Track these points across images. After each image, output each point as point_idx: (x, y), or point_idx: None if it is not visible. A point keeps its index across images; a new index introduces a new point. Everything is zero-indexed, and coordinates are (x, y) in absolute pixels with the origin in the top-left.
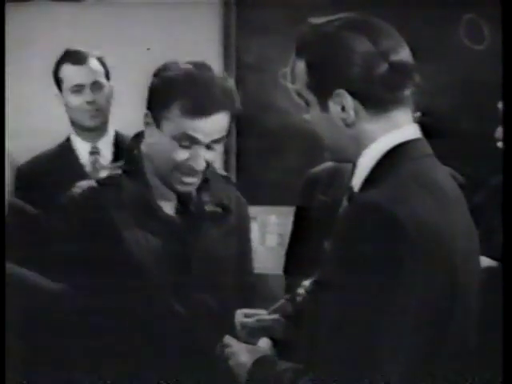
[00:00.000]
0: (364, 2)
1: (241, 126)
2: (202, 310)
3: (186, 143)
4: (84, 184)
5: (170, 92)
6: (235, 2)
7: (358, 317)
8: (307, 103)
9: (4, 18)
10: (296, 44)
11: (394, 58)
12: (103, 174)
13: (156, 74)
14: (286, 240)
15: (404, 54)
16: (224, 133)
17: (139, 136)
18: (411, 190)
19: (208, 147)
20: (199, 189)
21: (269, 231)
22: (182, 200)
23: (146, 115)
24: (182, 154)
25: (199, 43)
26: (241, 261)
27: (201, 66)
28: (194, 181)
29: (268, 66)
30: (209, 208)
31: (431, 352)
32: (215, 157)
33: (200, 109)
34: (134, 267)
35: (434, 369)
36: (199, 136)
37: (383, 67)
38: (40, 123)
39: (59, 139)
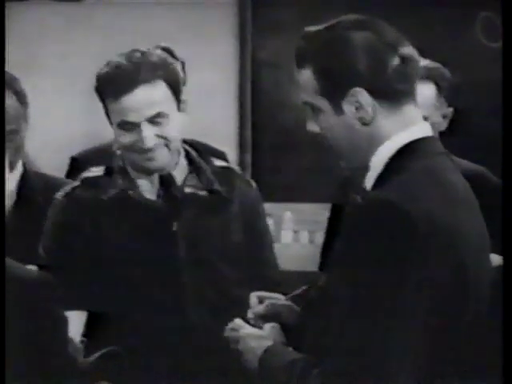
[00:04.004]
0: (378, 1)
1: (256, 122)
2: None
3: (127, 127)
4: (67, 188)
5: (98, 90)
6: (251, 0)
7: (369, 314)
8: (318, 110)
9: (4, 17)
10: (297, 55)
11: (402, 50)
12: (85, 174)
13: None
14: (301, 237)
15: (410, 47)
16: (162, 105)
17: None
18: (423, 187)
19: (153, 123)
20: (190, 171)
21: (284, 228)
22: (164, 184)
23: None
24: (127, 138)
25: (215, 42)
26: (257, 253)
27: (132, 55)
28: (155, 156)
29: (283, 64)
30: (189, 190)
31: (441, 350)
32: (169, 130)
33: (115, 89)
34: (119, 259)
35: (445, 367)
36: (130, 116)
37: (395, 60)
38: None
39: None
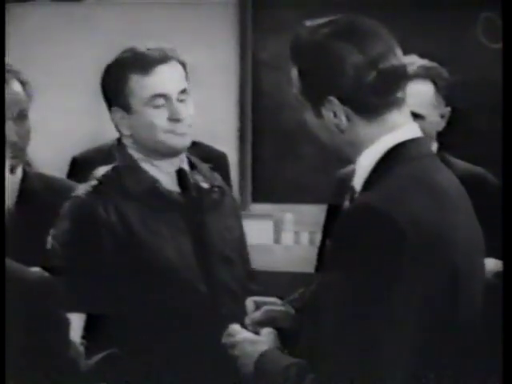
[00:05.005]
0: (378, 2)
1: (256, 123)
2: (224, 289)
3: (158, 102)
4: (85, 186)
5: (119, 69)
6: (251, 1)
7: (357, 318)
8: (304, 107)
9: (4, 17)
10: (290, 49)
11: (383, 64)
12: (100, 172)
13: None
14: (302, 238)
15: (393, 59)
16: (184, 83)
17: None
18: (408, 190)
19: (178, 100)
20: (191, 169)
21: (284, 229)
22: (181, 178)
23: (112, 113)
24: (160, 113)
25: (216, 42)
26: (241, 248)
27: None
28: (184, 130)
29: (284, 65)
30: (204, 185)
31: (432, 352)
32: (190, 109)
33: (147, 62)
34: (145, 251)
35: (435, 369)
36: (164, 88)
37: (372, 75)
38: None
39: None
